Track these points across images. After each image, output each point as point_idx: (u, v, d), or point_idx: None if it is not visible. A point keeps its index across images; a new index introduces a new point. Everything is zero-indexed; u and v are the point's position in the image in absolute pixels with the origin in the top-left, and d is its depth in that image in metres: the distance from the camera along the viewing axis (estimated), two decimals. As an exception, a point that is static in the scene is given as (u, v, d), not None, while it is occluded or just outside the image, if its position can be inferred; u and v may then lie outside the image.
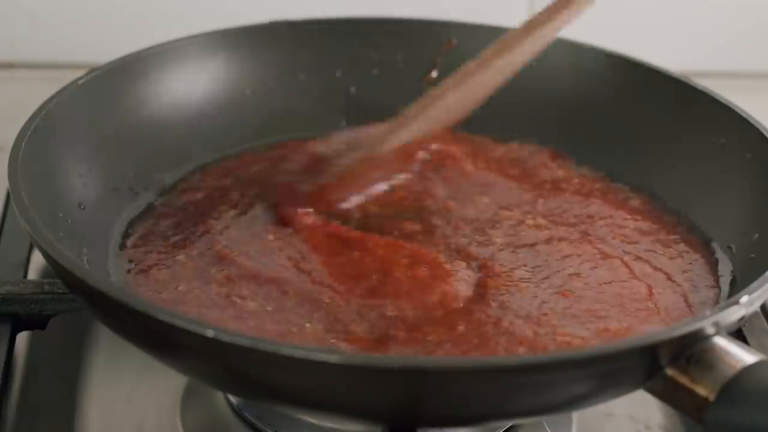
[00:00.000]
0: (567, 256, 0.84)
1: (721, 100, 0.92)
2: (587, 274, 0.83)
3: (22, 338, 0.87)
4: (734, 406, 0.67)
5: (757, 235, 0.83)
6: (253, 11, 1.07)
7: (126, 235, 0.86)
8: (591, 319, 0.78)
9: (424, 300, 0.79)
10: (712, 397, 0.67)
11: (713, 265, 0.85)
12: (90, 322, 0.91)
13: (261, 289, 0.79)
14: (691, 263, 0.86)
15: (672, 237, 0.88)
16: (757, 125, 0.88)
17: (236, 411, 0.82)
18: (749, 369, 0.68)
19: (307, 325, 0.76)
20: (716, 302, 0.81)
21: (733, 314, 0.70)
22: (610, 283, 0.82)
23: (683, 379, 0.68)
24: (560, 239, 0.86)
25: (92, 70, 0.92)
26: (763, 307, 0.86)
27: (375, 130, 0.92)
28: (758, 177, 0.87)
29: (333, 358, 0.64)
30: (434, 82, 1.02)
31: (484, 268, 0.83)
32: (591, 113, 0.99)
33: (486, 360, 0.72)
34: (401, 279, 0.80)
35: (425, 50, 1.03)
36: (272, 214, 0.87)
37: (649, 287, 0.82)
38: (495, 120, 1.00)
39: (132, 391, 0.86)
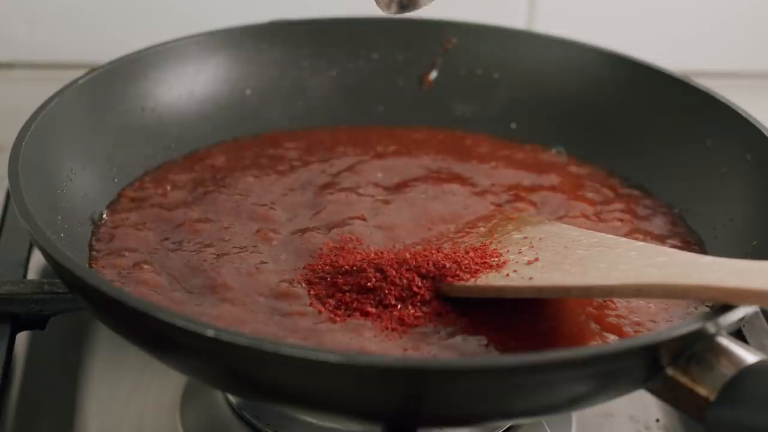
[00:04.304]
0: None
1: (721, 100, 0.92)
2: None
3: (22, 338, 0.87)
4: (735, 405, 0.67)
5: (756, 241, 0.83)
6: (253, 11, 1.07)
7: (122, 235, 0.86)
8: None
9: None
10: (712, 397, 0.67)
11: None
12: (90, 322, 0.91)
13: None
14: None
15: (667, 235, 0.88)
16: (757, 125, 0.88)
17: (236, 411, 0.82)
18: (749, 369, 0.68)
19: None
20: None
21: (733, 314, 0.70)
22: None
23: (684, 379, 0.69)
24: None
25: (92, 70, 0.92)
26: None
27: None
28: (758, 177, 0.87)
29: (333, 358, 0.64)
30: (434, 83, 1.02)
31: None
32: (591, 113, 0.99)
33: (486, 360, 0.72)
34: None
35: (425, 50, 1.03)
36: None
37: None
38: (495, 118, 1.01)
39: (132, 391, 0.86)
